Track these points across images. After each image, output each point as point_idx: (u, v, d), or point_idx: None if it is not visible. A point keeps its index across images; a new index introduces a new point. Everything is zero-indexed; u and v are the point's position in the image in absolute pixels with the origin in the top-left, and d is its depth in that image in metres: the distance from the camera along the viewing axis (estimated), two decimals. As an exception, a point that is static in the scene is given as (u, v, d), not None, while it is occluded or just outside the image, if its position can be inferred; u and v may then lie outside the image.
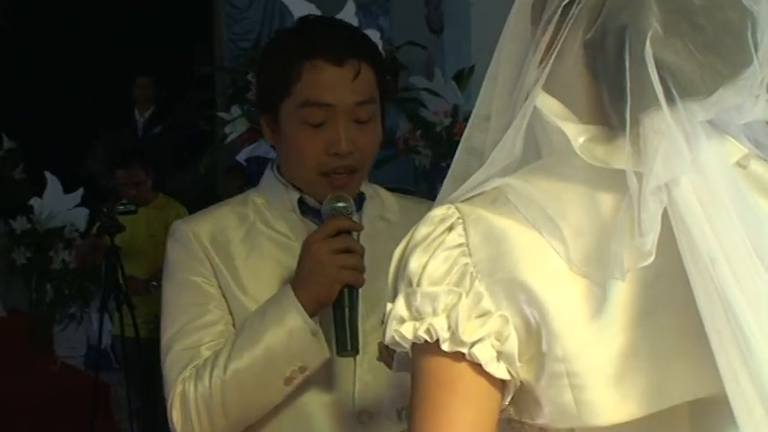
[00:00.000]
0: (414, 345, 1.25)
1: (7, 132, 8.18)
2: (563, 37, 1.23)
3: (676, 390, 1.23)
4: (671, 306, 1.22)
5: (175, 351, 2.00)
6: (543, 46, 1.25)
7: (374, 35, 4.09)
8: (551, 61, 1.24)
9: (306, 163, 2.03)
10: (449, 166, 5.25)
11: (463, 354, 1.21)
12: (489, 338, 1.21)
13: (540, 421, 1.26)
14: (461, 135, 5.13)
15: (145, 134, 9.25)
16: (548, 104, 1.26)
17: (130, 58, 10.04)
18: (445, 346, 1.21)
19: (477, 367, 1.22)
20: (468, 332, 1.21)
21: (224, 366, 1.93)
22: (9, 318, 8.01)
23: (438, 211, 1.28)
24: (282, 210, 2.11)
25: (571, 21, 1.22)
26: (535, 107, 1.25)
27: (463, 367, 1.22)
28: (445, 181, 1.37)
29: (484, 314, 1.22)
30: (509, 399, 1.25)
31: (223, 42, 11.00)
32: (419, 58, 6.85)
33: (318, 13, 3.75)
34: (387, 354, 1.88)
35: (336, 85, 2.01)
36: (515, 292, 1.21)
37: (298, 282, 1.95)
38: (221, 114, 4.36)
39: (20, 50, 9.36)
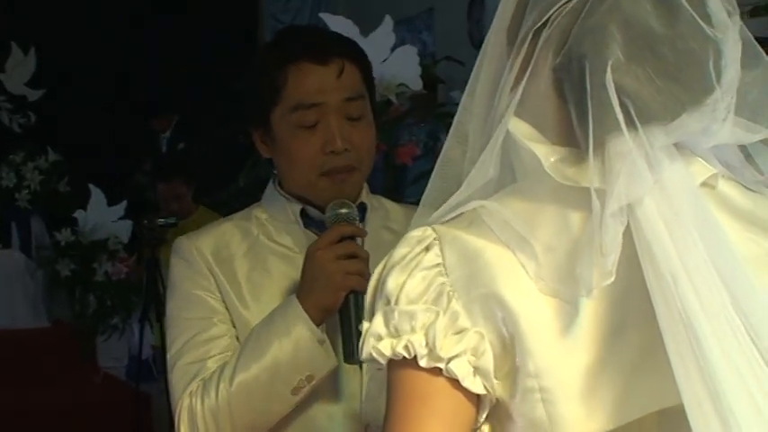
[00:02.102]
0: (390, 361, 1.27)
1: (52, 145, 8.27)
2: (534, 60, 1.26)
3: (643, 401, 1.25)
4: (638, 322, 1.24)
5: (182, 365, 2.01)
6: (516, 67, 1.28)
7: (411, 51, 4.09)
8: (523, 83, 1.27)
9: (304, 166, 2.03)
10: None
11: (440, 369, 1.23)
12: (466, 354, 1.23)
13: None
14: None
15: (170, 149, 9.28)
16: (519, 127, 1.28)
17: (173, 68, 10.11)
18: (423, 362, 1.24)
19: (454, 382, 1.24)
20: (446, 348, 1.23)
21: (230, 378, 1.93)
22: (53, 329, 8.09)
23: (415, 233, 1.31)
24: (285, 222, 2.11)
25: (541, 44, 1.25)
26: (508, 130, 1.28)
27: (440, 382, 1.24)
28: (420, 205, 1.38)
29: (460, 331, 1.24)
30: (484, 416, 1.27)
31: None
32: (460, 72, 6.86)
33: (356, 29, 3.76)
34: None
35: (323, 83, 2.02)
36: (491, 308, 1.24)
37: (303, 290, 1.95)
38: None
39: (65, 62, 9.46)
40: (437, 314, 1.24)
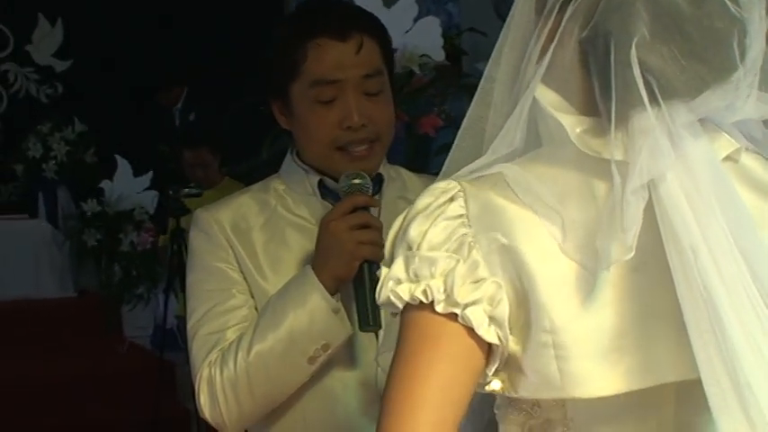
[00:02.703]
0: (407, 305, 1.28)
1: (79, 116, 8.32)
2: (561, 31, 1.27)
3: (663, 370, 1.26)
4: (659, 291, 1.25)
5: (201, 335, 2.01)
6: (543, 37, 1.28)
7: (434, 22, 4.09)
8: (550, 53, 1.28)
9: (321, 140, 2.04)
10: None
11: (456, 315, 1.25)
12: (482, 302, 1.25)
13: (525, 393, 1.30)
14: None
15: (182, 122, 9.29)
16: (546, 96, 1.29)
17: (200, 39, 10.13)
18: (439, 308, 1.25)
19: (468, 330, 1.25)
20: (463, 295, 1.25)
21: (248, 349, 1.94)
22: (79, 299, 8.18)
23: (440, 184, 1.32)
24: (303, 194, 2.11)
25: (568, 18, 1.26)
26: (534, 98, 1.29)
27: (454, 327, 1.25)
28: (441, 174, 1.39)
29: (478, 280, 1.26)
30: (494, 368, 1.29)
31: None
32: (485, 44, 6.84)
33: (380, 1, 3.76)
34: None
35: (342, 60, 2.01)
36: (509, 260, 1.26)
37: (317, 260, 1.96)
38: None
39: (90, 35, 9.49)
40: (457, 261, 1.26)
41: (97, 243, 7.73)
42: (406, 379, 1.25)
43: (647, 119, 1.21)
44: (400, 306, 1.28)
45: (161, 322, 6.62)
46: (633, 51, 1.21)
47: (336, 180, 2.06)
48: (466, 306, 1.24)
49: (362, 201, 1.97)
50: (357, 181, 1.99)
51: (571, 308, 1.24)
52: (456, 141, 1.38)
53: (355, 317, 1.96)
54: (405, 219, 1.32)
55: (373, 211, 2.03)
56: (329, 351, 1.96)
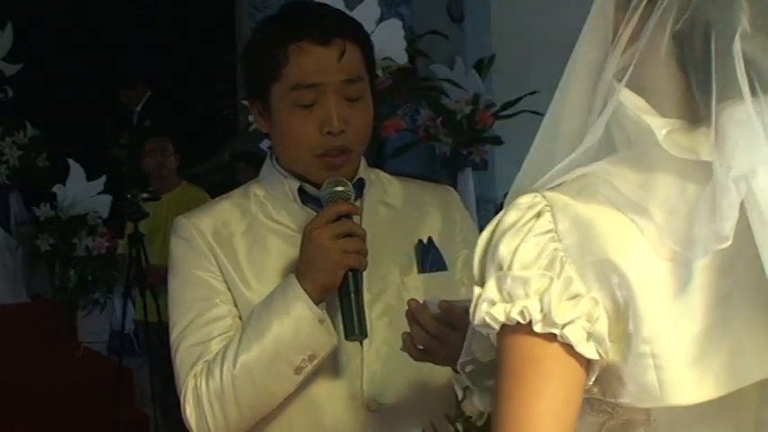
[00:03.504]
0: (503, 327, 1.28)
1: (31, 120, 8.24)
2: (648, 26, 1.27)
3: (748, 370, 1.28)
4: (744, 292, 1.27)
5: (185, 347, 2.00)
6: (627, 34, 1.29)
7: (396, 24, 4.11)
8: (635, 50, 1.28)
9: (300, 145, 2.03)
10: (469, 154, 5.32)
11: (555, 335, 1.25)
12: (580, 320, 1.25)
13: (623, 400, 1.30)
14: (482, 123, 5.20)
15: (138, 125, 9.25)
16: (629, 98, 1.29)
17: (152, 43, 10.10)
18: (537, 328, 1.25)
19: (568, 348, 1.25)
20: (561, 314, 1.24)
21: (233, 360, 1.93)
22: (32, 304, 8.09)
23: (524, 199, 1.31)
24: (283, 200, 2.10)
25: (660, 11, 1.26)
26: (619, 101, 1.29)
27: (554, 347, 1.25)
28: (521, 172, 1.38)
29: (574, 296, 1.25)
30: (593, 379, 1.29)
31: (244, 32, 11.03)
32: (440, 46, 6.87)
33: (341, 2, 3.76)
34: (410, 343, 1.90)
35: (323, 64, 2.01)
36: (605, 274, 1.26)
37: (301, 270, 1.94)
38: (246, 102, 4.37)
39: (43, 39, 9.42)
40: (551, 280, 1.25)
41: (50, 248, 7.67)
42: (516, 405, 1.25)
43: (744, 111, 1.21)
44: (496, 327, 1.27)
45: (118, 327, 6.58)
46: (737, 42, 1.21)
47: (315, 185, 2.05)
48: (564, 325, 1.24)
49: (345, 209, 1.96)
50: (340, 188, 1.98)
51: (667, 316, 1.25)
52: (534, 145, 1.38)
53: (340, 326, 1.95)
54: (491, 236, 1.31)
55: (355, 217, 2.02)
56: (315, 361, 1.95)
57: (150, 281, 6.01)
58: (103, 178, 7.73)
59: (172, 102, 9.23)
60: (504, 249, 1.28)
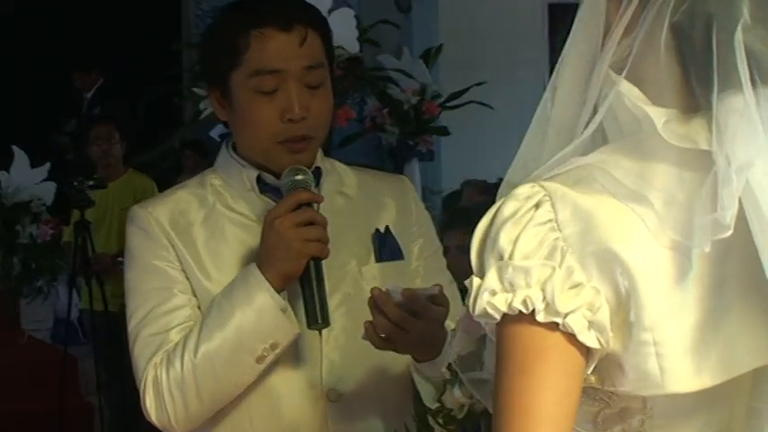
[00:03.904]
0: (504, 316, 1.27)
1: (-26, 106, 8.18)
2: (644, 18, 1.28)
3: (744, 358, 1.29)
4: (738, 281, 1.28)
5: (144, 337, 1.97)
6: (623, 26, 1.30)
7: (348, 14, 4.11)
8: (632, 42, 1.28)
9: (261, 132, 2.02)
10: (416, 144, 5.33)
11: (557, 324, 1.25)
12: (582, 309, 1.25)
13: (623, 389, 1.31)
14: (429, 113, 5.22)
15: (87, 112, 9.21)
16: (626, 88, 1.30)
17: (97, 31, 10.02)
18: (540, 317, 1.25)
19: (569, 337, 1.25)
20: (563, 303, 1.24)
21: (194, 349, 1.92)
22: (-25, 292, 8.02)
23: (522, 189, 1.31)
24: (241, 190, 2.08)
25: (658, 3, 1.27)
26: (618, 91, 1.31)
27: (556, 336, 1.25)
28: (504, 182, 1.38)
29: (576, 286, 1.26)
30: (592, 367, 1.29)
31: (190, 19, 10.97)
32: (388, 36, 6.89)
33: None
34: (373, 331, 1.91)
35: (285, 50, 1.99)
36: (607, 264, 1.26)
37: (263, 259, 1.93)
38: (196, 90, 4.35)
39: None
40: (553, 269, 1.25)
41: (-7, 235, 7.60)
42: (518, 394, 1.25)
43: (743, 101, 1.23)
44: (497, 317, 1.27)
45: (62, 315, 6.54)
46: (738, 33, 1.22)
47: (274, 174, 2.04)
48: (566, 315, 1.24)
49: (306, 197, 1.95)
50: (300, 177, 1.97)
51: (668, 304, 1.26)
52: (527, 137, 1.38)
53: (301, 315, 1.95)
54: (490, 226, 1.31)
55: (314, 206, 2.01)
56: (277, 350, 1.94)
57: (96, 269, 5.99)
58: (48, 165, 7.65)
59: (118, 88, 9.17)
60: (504, 239, 1.27)
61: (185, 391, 1.93)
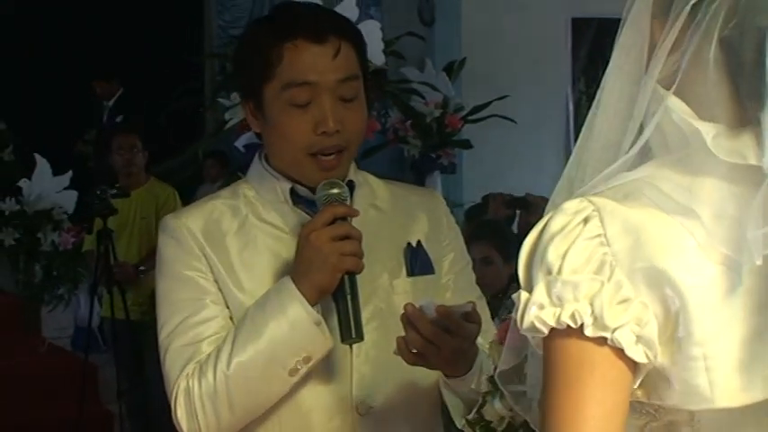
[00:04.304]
0: (552, 331, 1.28)
1: (-2, 113, 8.22)
2: (692, 33, 1.28)
3: None
4: None
5: (175, 348, 1.97)
6: (670, 41, 1.30)
7: (374, 26, 4.12)
8: (686, 58, 1.29)
9: (294, 145, 2.00)
10: (438, 157, 5.34)
11: (605, 338, 1.25)
12: (630, 324, 1.25)
13: (670, 402, 1.31)
14: (451, 126, 5.22)
15: (109, 121, 9.24)
16: (674, 103, 1.31)
17: (120, 41, 10.07)
18: (588, 331, 1.25)
19: (618, 351, 1.26)
20: (611, 318, 1.25)
21: (227, 361, 1.91)
22: (-5, 298, 8.06)
23: (571, 204, 1.31)
24: (274, 201, 2.06)
25: (706, 18, 1.27)
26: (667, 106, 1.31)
27: (604, 351, 1.26)
28: (551, 201, 1.40)
29: (624, 300, 1.26)
30: (639, 381, 1.30)
31: (213, 30, 11.03)
32: (411, 49, 6.91)
33: (319, 0, 3.76)
34: (405, 347, 1.90)
35: (318, 63, 1.98)
36: (655, 279, 1.26)
37: (298, 271, 1.92)
38: (221, 100, 4.35)
39: (11, 32, 9.38)
40: (601, 284, 1.26)
41: (15, 242, 7.62)
42: (566, 409, 1.25)
43: None
44: (545, 331, 1.27)
45: (83, 323, 6.56)
46: None
47: (307, 187, 2.04)
48: (615, 329, 1.25)
49: (342, 211, 1.94)
50: (335, 191, 1.96)
51: (718, 318, 1.26)
52: (572, 157, 1.39)
53: (334, 328, 1.93)
54: (538, 241, 1.32)
55: (349, 219, 2.00)
56: (310, 363, 1.93)
57: (118, 277, 6.00)
58: (70, 173, 7.69)
59: (139, 98, 9.22)
60: (552, 254, 1.28)
61: (217, 402, 1.93)
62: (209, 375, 1.92)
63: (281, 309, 1.92)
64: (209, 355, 1.95)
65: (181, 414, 1.95)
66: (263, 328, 1.92)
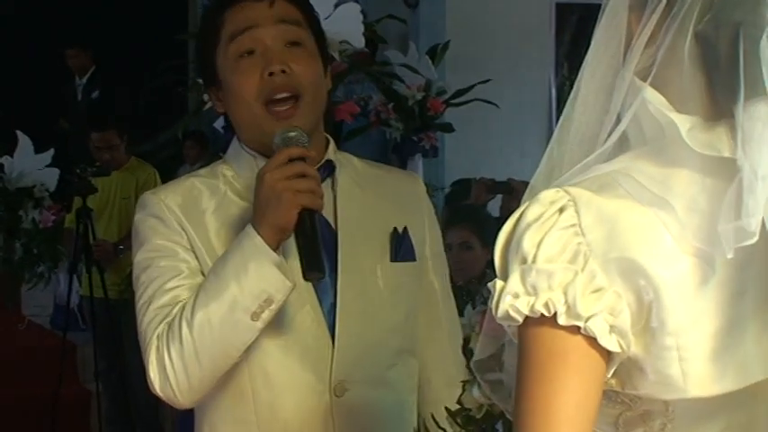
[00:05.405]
0: (526, 319, 1.29)
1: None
2: (667, 27, 1.29)
3: (762, 364, 1.31)
4: (756, 289, 1.30)
5: (152, 309, 1.99)
6: (647, 35, 1.31)
7: (354, 8, 4.10)
8: (661, 51, 1.29)
9: (247, 96, 2.02)
10: (420, 140, 5.34)
11: (578, 327, 1.27)
12: (603, 313, 1.27)
13: (644, 392, 1.32)
14: (433, 109, 5.21)
15: (84, 98, 9.21)
16: (651, 95, 1.32)
17: (103, 19, 10.04)
18: (561, 320, 1.26)
19: (591, 340, 1.27)
20: (585, 307, 1.26)
21: (191, 313, 1.92)
22: (-24, 275, 8.03)
23: (547, 194, 1.32)
24: (252, 179, 2.03)
25: (681, 12, 1.28)
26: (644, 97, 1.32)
27: (577, 340, 1.27)
28: (529, 187, 1.40)
29: (598, 290, 1.27)
30: (612, 371, 1.31)
31: (197, 8, 10.99)
32: (395, 31, 6.88)
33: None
34: None
35: (257, 12, 2.04)
36: (629, 270, 1.27)
37: (256, 214, 1.94)
38: (199, 80, 4.34)
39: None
40: (575, 273, 1.27)
41: (-5, 219, 7.61)
42: (540, 398, 1.26)
43: (767, 110, 1.24)
44: (519, 320, 1.28)
45: (62, 302, 6.55)
46: (764, 42, 1.24)
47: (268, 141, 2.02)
48: (588, 318, 1.26)
49: (297, 152, 1.94)
50: (292, 134, 1.97)
51: (691, 309, 1.27)
52: (551, 143, 1.39)
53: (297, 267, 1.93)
54: (514, 230, 1.33)
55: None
56: (272, 306, 1.92)
57: (97, 256, 5.99)
58: (51, 151, 7.66)
59: (117, 74, 9.19)
60: (527, 243, 1.29)
61: (185, 356, 1.93)
62: (176, 331, 1.94)
63: (240, 254, 1.92)
64: (176, 313, 1.96)
65: (153, 375, 1.96)
66: (223, 276, 1.93)
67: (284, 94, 2.02)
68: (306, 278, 1.93)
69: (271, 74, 2.01)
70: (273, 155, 1.96)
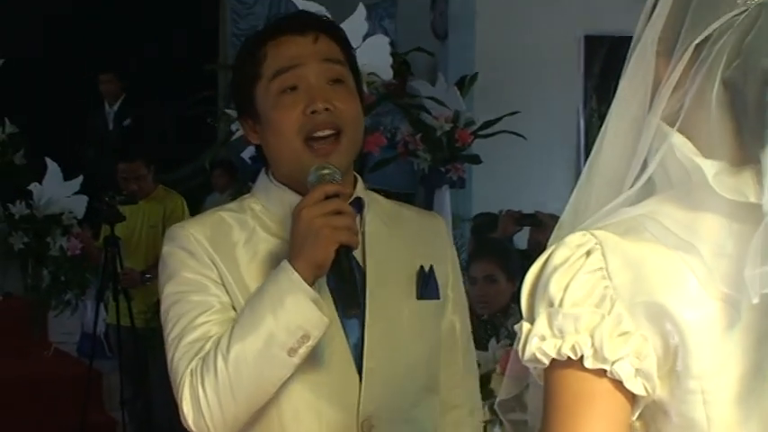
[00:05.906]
0: (552, 362, 1.30)
1: (9, 117, 8.23)
2: (695, 73, 1.29)
3: None
4: None
5: (184, 344, 1.97)
6: (675, 79, 1.31)
7: (383, 41, 4.12)
8: (689, 97, 1.30)
9: (288, 131, 2.03)
10: (447, 171, 5.33)
11: (605, 370, 1.27)
12: (630, 357, 1.27)
13: None
14: (462, 141, 5.21)
15: (116, 126, 9.27)
16: (678, 140, 1.32)
17: (135, 47, 10.10)
18: (588, 363, 1.27)
19: (617, 383, 1.28)
20: (611, 350, 1.27)
21: (227, 348, 1.91)
22: (4, 302, 8.06)
23: (574, 237, 1.33)
24: (281, 215, 2.07)
25: (710, 58, 1.28)
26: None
27: (603, 383, 1.28)
28: (557, 227, 1.42)
29: (624, 333, 1.28)
30: (637, 414, 1.32)
31: (227, 38, 11.05)
32: (423, 62, 6.90)
33: (326, 11, 3.77)
34: None
35: (300, 48, 2.05)
36: (655, 313, 1.28)
37: (293, 250, 1.93)
38: (228, 111, 4.37)
39: (24, 36, 9.40)
40: (602, 316, 1.28)
41: (24, 246, 7.63)
42: None
43: None
44: (546, 362, 1.30)
45: (89, 329, 6.56)
46: None
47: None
48: (614, 362, 1.26)
49: (333, 189, 1.94)
50: (326, 171, 1.97)
51: (717, 354, 1.28)
52: (578, 184, 1.41)
53: (338, 307, 1.96)
54: (540, 273, 1.34)
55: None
56: (309, 342, 1.92)
57: (124, 284, 6.01)
58: (80, 178, 7.70)
59: (150, 104, 9.25)
60: (554, 286, 1.30)
61: (220, 392, 1.92)
62: (211, 366, 1.92)
63: (277, 289, 1.92)
64: (210, 347, 1.95)
65: (187, 410, 1.94)
66: (260, 311, 1.92)
67: (327, 132, 2.03)
68: (345, 315, 1.96)
69: (314, 111, 2.02)
70: (308, 192, 1.96)
